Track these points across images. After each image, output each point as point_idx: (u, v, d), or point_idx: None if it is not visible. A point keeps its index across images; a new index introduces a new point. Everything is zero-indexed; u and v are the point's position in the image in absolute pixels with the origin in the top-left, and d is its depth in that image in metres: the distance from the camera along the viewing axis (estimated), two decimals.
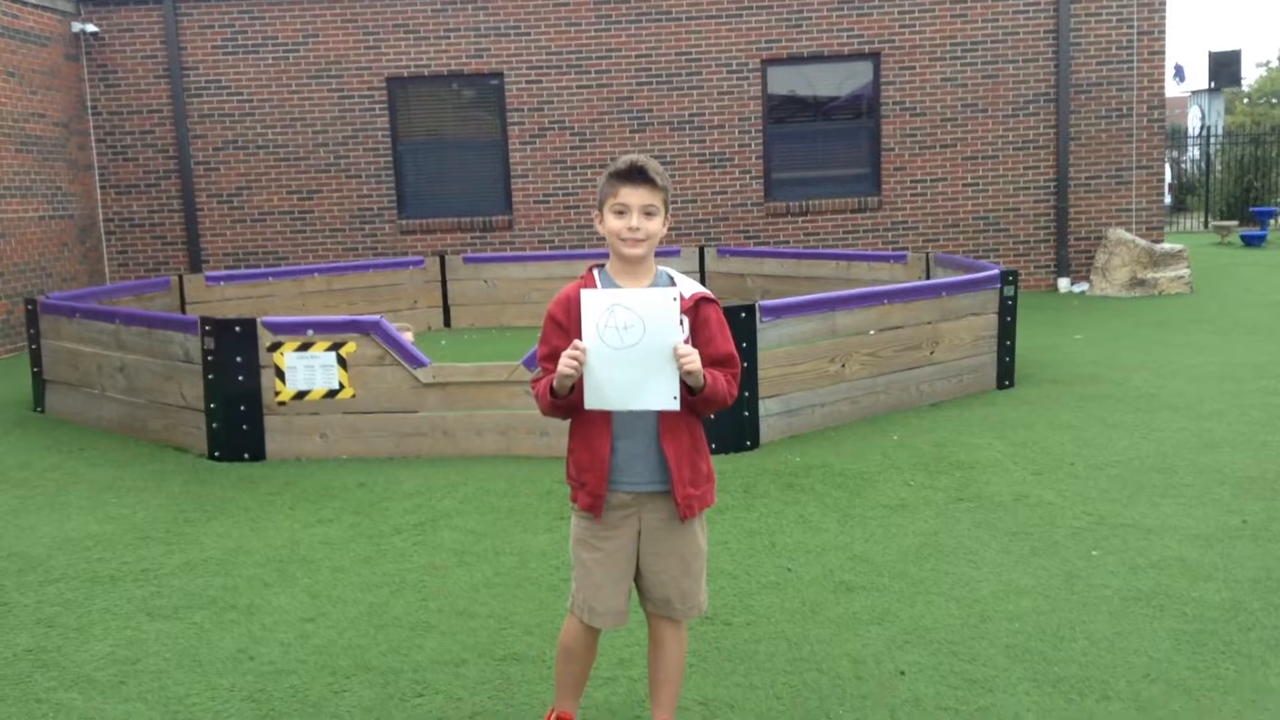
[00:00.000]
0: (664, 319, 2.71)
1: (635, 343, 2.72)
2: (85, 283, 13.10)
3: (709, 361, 2.84)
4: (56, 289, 12.35)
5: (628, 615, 3.01)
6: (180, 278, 11.35)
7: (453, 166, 14.04)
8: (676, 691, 3.10)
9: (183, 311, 10.89)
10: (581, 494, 2.94)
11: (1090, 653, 3.74)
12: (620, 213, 2.86)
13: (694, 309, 2.89)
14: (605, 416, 2.87)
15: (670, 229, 3.00)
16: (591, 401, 2.78)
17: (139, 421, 7.43)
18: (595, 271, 2.96)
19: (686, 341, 2.81)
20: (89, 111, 13.63)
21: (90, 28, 13.36)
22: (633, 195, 2.85)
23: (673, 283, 2.92)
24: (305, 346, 6.72)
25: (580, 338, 2.75)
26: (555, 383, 2.80)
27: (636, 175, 2.86)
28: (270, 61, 13.65)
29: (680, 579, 2.98)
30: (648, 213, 2.86)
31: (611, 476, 2.91)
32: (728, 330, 2.96)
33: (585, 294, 2.76)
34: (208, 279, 11.62)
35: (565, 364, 2.74)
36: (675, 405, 2.77)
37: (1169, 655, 3.70)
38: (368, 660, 3.88)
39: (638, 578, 3.01)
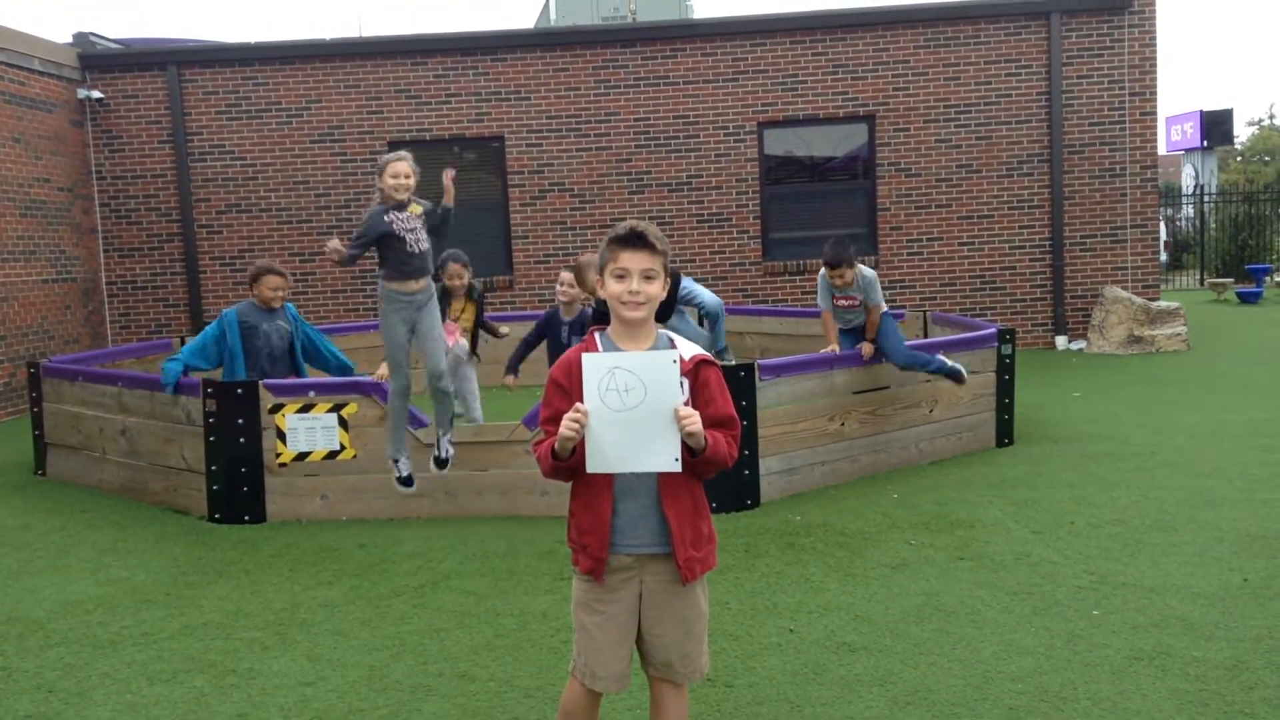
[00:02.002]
0: (665, 381, 2.75)
1: (636, 405, 2.75)
2: (88, 345, 13.16)
3: (709, 423, 2.87)
4: (59, 352, 12.41)
5: (630, 679, 3.01)
6: (182, 340, 11.37)
7: (454, 228, 14.05)
8: None
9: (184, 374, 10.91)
10: (583, 557, 2.95)
11: (1093, 713, 3.73)
12: (621, 277, 2.91)
13: (694, 371, 2.92)
14: (607, 479, 2.89)
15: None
16: (594, 464, 2.80)
17: (140, 484, 7.44)
18: (597, 335, 3.00)
19: (686, 403, 2.84)
20: (93, 176, 13.79)
21: (95, 94, 13.56)
22: (633, 260, 2.90)
23: (673, 345, 2.96)
24: (307, 408, 6.75)
25: (582, 400, 2.78)
26: (557, 445, 2.83)
27: (636, 240, 2.91)
28: (273, 126, 13.84)
29: (682, 642, 2.98)
30: (647, 276, 2.91)
31: (613, 539, 2.92)
32: (727, 392, 2.99)
33: (586, 357, 2.79)
34: None
35: (567, 426, 2.77)
36: (677, 466, 2.79)
37: (1171, 716, 3.69)
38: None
39: (639, 640, 3.01)
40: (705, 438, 2.81)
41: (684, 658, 2.99)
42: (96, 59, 13.74)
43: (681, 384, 2.83)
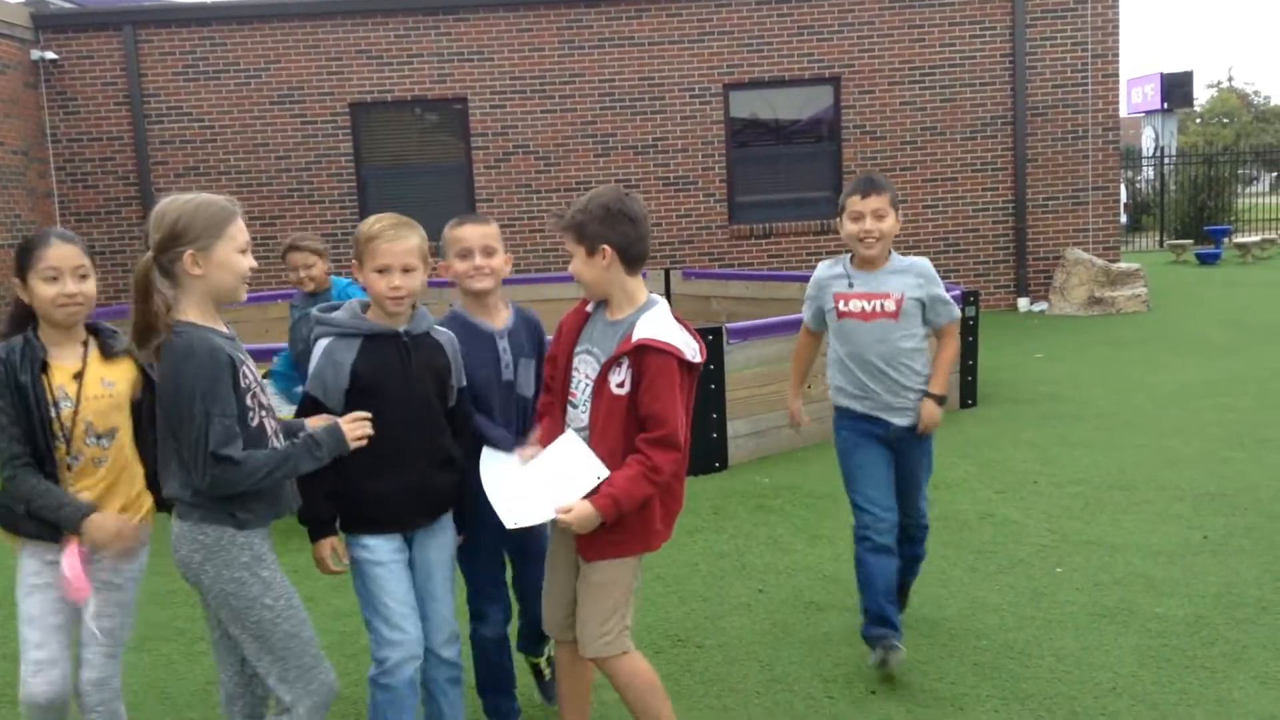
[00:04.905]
0: (572, 482, 2.85)
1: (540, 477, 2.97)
2: None
3: (640, 414, 2.84)
4: None
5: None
6: None
7: (417, 191, 14.02)
8: None
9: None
10: None
11: (1057, 669, 3.80)
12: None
13: (636, 354, 2.83)
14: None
15: None
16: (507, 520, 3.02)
17: None
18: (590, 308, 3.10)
19: (621, 403, 2.85)
20: (48, 139, 13.52)
21: (49, 55, 13.27)
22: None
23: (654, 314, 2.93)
24: (271, 374, 6.67)
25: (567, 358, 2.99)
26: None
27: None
28: (232, 88, 13.61)
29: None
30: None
31: None
32: (663, 388, 2.81)
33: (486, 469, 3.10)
34: None
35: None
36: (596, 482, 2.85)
37: (1134, 670, 3.76)
38: (339, 690, 3.85)
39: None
40: (602, 513, 2.79)
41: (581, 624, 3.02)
42: (50, 19, 13.44)
43: (623, 362, 2.82)
